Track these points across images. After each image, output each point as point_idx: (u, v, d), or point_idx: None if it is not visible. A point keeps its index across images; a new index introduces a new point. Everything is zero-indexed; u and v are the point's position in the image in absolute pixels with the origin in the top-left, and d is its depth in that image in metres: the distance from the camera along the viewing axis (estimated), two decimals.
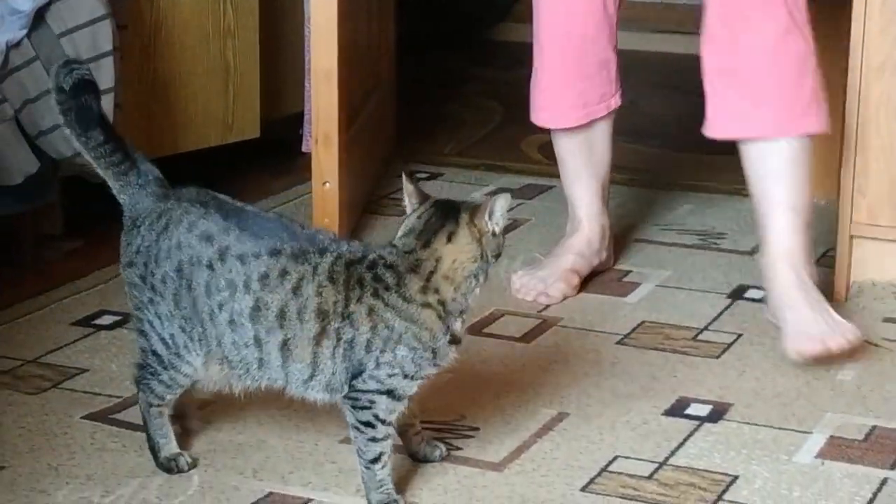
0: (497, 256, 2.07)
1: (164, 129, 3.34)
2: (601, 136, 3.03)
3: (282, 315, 2.06)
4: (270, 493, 2.15)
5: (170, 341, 2.13)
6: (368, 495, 2.09)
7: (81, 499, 2.13)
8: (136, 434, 2.29)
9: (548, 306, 2.86)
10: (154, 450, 2.21)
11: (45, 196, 3.00)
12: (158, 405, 2.19)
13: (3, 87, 2.81)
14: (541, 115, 3.06)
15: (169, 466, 2.20)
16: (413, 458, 2.15)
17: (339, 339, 2.05)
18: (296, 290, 2.05)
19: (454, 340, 2.07)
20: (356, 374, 2.05)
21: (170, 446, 2.21)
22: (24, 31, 2.82)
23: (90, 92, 2.16)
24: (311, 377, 2.08)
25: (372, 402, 2.05)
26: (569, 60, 2.99)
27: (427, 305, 2.03)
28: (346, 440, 2.20)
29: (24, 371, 2.55)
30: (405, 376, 2.04)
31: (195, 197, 2.15)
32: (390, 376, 2.04)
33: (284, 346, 2.07)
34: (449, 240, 2.03)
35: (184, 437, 2.27)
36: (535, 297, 2.90)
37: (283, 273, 2.06)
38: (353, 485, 2.16)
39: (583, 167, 3.03)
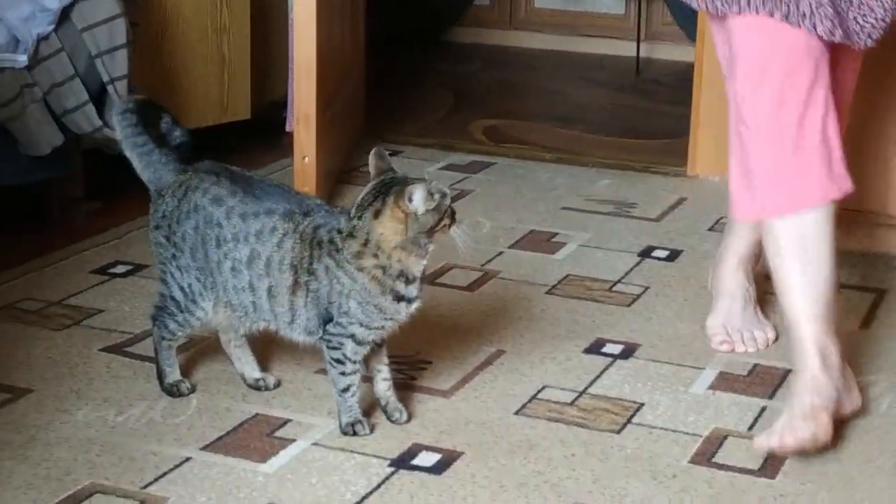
0: (432, 230, 2.00)
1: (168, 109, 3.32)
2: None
3: (268, 264, 2.06)
4: (256, 414, 2.16)
5: (187, 289, 2.14)
6: (340, 417, 2.10)
7: (98, 417, 2.13)
8: (144, 364, 2.29)
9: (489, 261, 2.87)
10: (160, 377, 2.21)
11: (69, 165, 2.99)
12: (169, 340, 2.19)
13: (34, 74, 2.79)
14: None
15: (172, 391, 2.21)
16: (380, 405, 2.12)
17: (307, 290, 2.05)
18: (279, 244, 2.06)
19: (401, 298, 2.05)
20: (327, 320, 2.06)
21: (174, 374, 2.22)
22: (52, 27, 2.80)
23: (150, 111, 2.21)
24: (292, 321, 2.09)
25: (341, 343, 2.06)
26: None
27: (361, 269, 2.02)
28: (321, 371, 2.21)
29: (51, 311, 2.54)
30: (361, 325, 2.05)
31: (209, 168, 2.16)
32: (350, 324, 2.04)
33: (270, 291, 2.07)
34: (375, 216, 2.01)
35: (185, 367, 2.28)
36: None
37: (273, 229, 2.06)
38: (325, 408, 2.17)
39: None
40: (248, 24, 3.46)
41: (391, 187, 2.01)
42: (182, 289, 2.14)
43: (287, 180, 3.10)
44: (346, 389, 2.08)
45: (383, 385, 2.14)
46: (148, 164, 2.18)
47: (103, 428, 2.09)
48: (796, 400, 2.06)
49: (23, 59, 2.77)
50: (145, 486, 1.93)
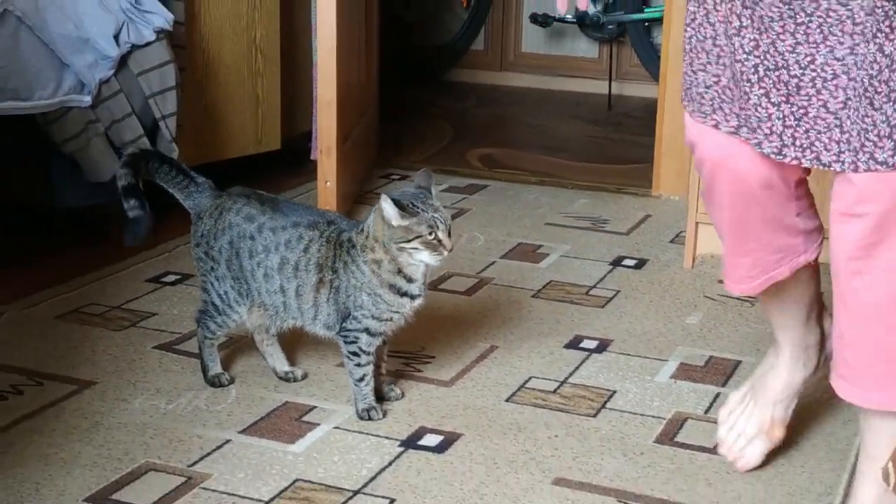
0: (400, 244, 1.95)
1: (212, 142, 3.32)
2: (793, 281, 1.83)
3: (296, 267, 2.06)
4: (286, 402, 2.15)
5: (224, 296, 2.13)
6: (356, 404, 2.10)
7: (151, 405, 2.12)
8: (191, 359, 2.29)
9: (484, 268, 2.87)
10: (204, 370, 2.21)
11: None
12: (211, 339, 2.19)
13: (97, 112, 2.79)
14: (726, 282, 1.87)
15: (214, 382, 2.20)
16: (376, 394, 2.11)
17: (330, 287, 2.05)
18: (306, 249, 2.06)
19: (403, 294, 2.04)
20: (345, 316, 2.05)
21: (216, 368, 2.21)
22: (112, 72, 2.79)
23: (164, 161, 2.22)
24: (315, 317, 2.08)
25: (357, 337, 2.06)
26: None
27: (366, 261, 2.02)
28: (340, 365, 2.20)
29: (111, 314, 2.54)
30: (373, 317, 2.04)
31: (241, 192, 2.16)
32: (364, 317, 2.04)
33: (297, 291, 2.07)
34: (370, 220, 2.02)
35: (225, 362, 2.27)
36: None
37: (300, 237, 2.06)
38: (344, 396, 2.16)
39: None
40: (278, 69, 3.45)
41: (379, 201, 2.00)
42: (220, 296, 2.14)
43: (311, 202, 3.10)
44: (361, 379, 2.08)
45: (380, 378, 2.14)
46: (187, 196, 2.18)
47: (156, 414, 2.09)
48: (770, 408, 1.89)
49: (87, 99, 2.77)
50: (192, 465, 1.92)
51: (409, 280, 2.03)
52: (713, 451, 1.99)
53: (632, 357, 2.37)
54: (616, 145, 4.23)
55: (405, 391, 2.19)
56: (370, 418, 2.07)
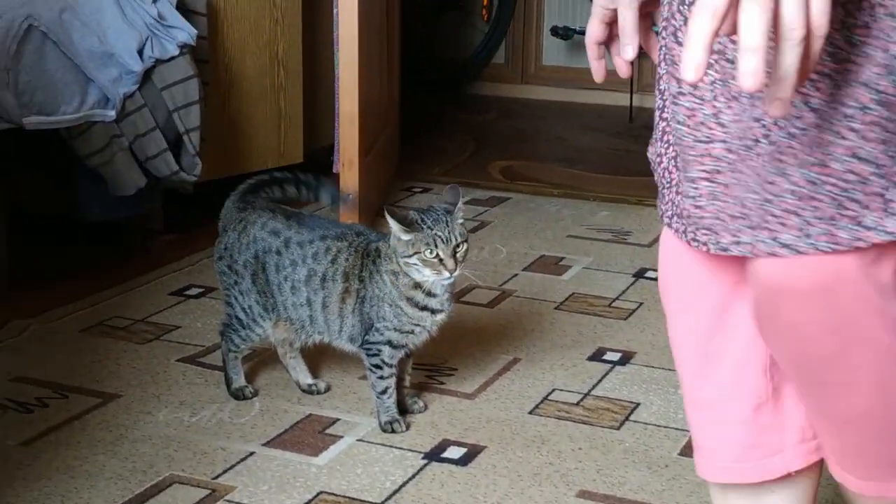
0: (405, 257, 1.94)
1: (236, 155, 3.33)
2: None
3: (323, 279, 2.06)
4: (310, 415, 2.15)
5: (248, 311, 2.14)
6: (379, 416, 2.09)
7: (175, 418, 2.12)
8: (214, 372, 2.29)
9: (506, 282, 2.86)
10: (228, 383, 2.21)
11: (151, 203, 2.99)
12: (235, 352, 2.19)
13: (121, 126, 2.80)
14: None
15: (238, 395, 2.20)
16: (399, 406, 2.10)
17: (357, 296, 2.05)
18: (334, 260, 2.06)
19: (424, 308, 2.02)
20: (368, 328, 2.05)
21: (239, 380, 2.21)
22: (136, 86, 2.81)
23: None
24: (341, 329, 2.08)
25: (379, 350, 2.06)
26: None
27: (387, 272, 2.02)
28: (363, 377, 2.20)
29: (136, 328, 2.54)
30: (395, 329, 2.04)
31: (265, 206, 2.16)
32: (386, 329, 2.04)
33: (323, 302, 2.07)
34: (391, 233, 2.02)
35: (249, 375, 2.27)
36: None
37: (327, 249, 2.07)
38: (367, 409, 2.16)
39: None
40: (301, 83, 3.46)
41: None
42: (244, 310, 2.14)
43: (333, 214, 3.10)
44: (383, 392, 2.07)
45: (402, 391, 2.14)
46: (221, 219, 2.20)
47: (180, 427, 2.09)
48: None
49: (112, 114, 2.78)
50: (216, 477, 1.92)
51: (429, 294, 2.02)
52: None
53: (655, 369, 2.36)
54: (637, 157, 4.21)
55: (428, 404, 2.18)
56: (393, 431, 2.07)
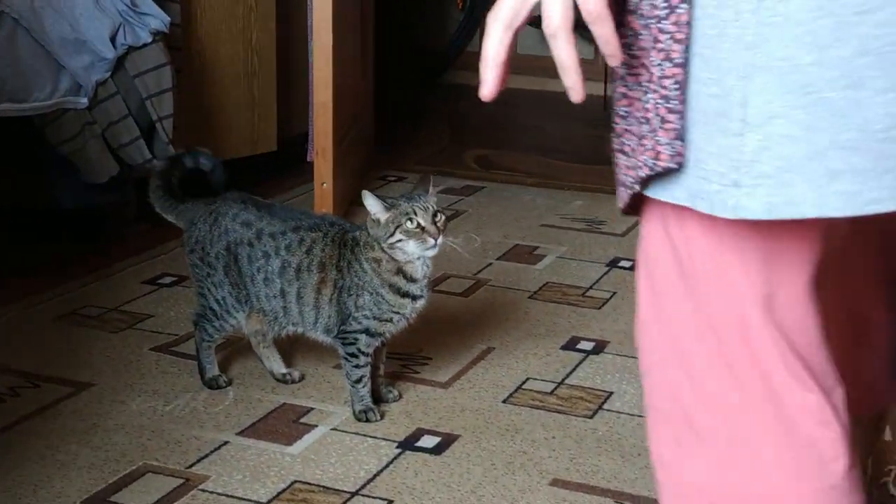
0: (391, 235, 1.96)
1: (208, 144, 3.30)
2: None
3: (298, 269, 2.06)
4: (284, 404, 2.15)
5: (222, 301, 2.14)
6: (353, 405, 2.10)
7: (149, 407, 2.12)
8: (188, 361, 2.29)
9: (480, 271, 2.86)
10: (202, 372, 2.21)
11: (123, 191, 2.98)
12: (209, 341, 2.19)
13: (94, 114, 2.79)
14: None
15: (212, 384, 2.20)
16: (373, 395, 2.11)
17: (335, 286, 2.05)
18: (309, 251, 2.06)
19: (405, 294, 2.04)
20: (344, 319, 2.05)
21: (213, 370, 2.21)
22: (109, 73, 2.80)
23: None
24: (316, 320, 2.08)
25: (356, 339, 2.06)
26: None
27: (367, 260, 2.03)
28: (338, 366, 2.20)
29: (108, 316, 2.54)
30: (374, 317, 2.04)
31: (236, 197, 2.16)
32: (364, 318, 2.04)
33: (298, 294, 2.07)
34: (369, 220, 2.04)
35: (223, 364, 2.27)
36: None
37: (301, 241, 2.07)
38: (342, 398, 2.16)
39: None
40: (274, 70, 3.45)
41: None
42: (218, 301, 2.14)
43: (308, 203, 3.10)
44: (358, 381, 2.08)
45: (377, 381, 2.14)
46: (178, 216, 2.20)
47: (153, 416, 2.09)
48: None
49: (84, 101, 2.77)
50: (189, 466, 1.92)
51: (410, 279, 2.03)
52: None
53: (628, 358, 2.37)
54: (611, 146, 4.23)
55: (402, 393, 2.19)
56: (367, 420, 2.07)
